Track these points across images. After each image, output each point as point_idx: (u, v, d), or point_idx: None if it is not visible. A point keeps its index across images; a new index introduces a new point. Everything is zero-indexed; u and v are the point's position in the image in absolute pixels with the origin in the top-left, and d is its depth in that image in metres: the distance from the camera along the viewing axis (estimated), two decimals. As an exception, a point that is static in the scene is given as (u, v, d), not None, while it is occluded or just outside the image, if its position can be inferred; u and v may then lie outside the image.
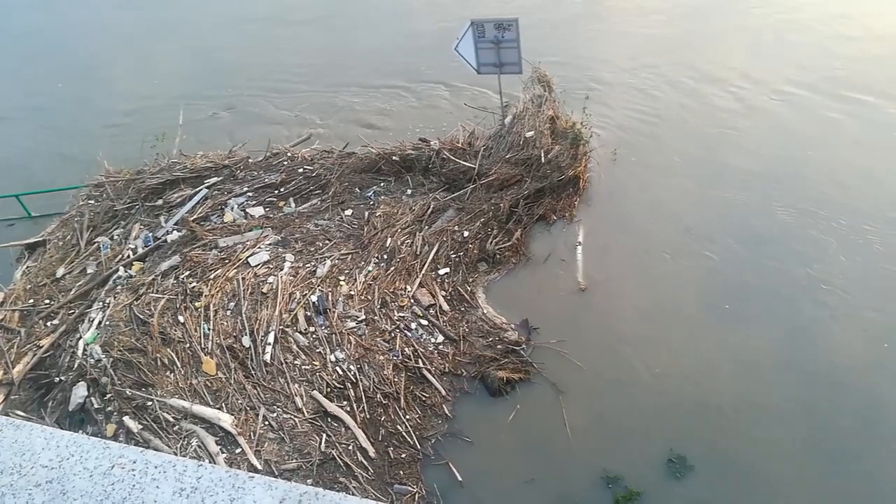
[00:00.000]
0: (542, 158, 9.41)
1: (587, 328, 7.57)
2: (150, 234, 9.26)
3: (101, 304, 8.16)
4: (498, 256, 8.63)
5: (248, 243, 8.83)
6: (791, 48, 11.67)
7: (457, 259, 8.58)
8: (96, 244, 9.29)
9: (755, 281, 7.80)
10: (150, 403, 6.83)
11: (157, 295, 8.04)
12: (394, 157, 10.00)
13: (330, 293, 8.00)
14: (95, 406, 6.94)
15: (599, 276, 8.18)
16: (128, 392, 6.95)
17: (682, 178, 9.45)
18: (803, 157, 9.38)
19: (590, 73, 11.82)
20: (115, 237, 9.46)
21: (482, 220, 8.97)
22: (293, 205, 9.66)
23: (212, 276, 8.25)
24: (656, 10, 13.31)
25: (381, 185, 9.89)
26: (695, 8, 13.24)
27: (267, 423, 6.76)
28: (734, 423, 6.42)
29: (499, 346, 7.45)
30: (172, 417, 6.75)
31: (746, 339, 7.16)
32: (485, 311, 7.95)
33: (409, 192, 9.71)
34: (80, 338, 7.63)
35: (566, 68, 11.70)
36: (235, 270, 8.33)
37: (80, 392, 7.04)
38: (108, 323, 7.75)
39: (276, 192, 9.88)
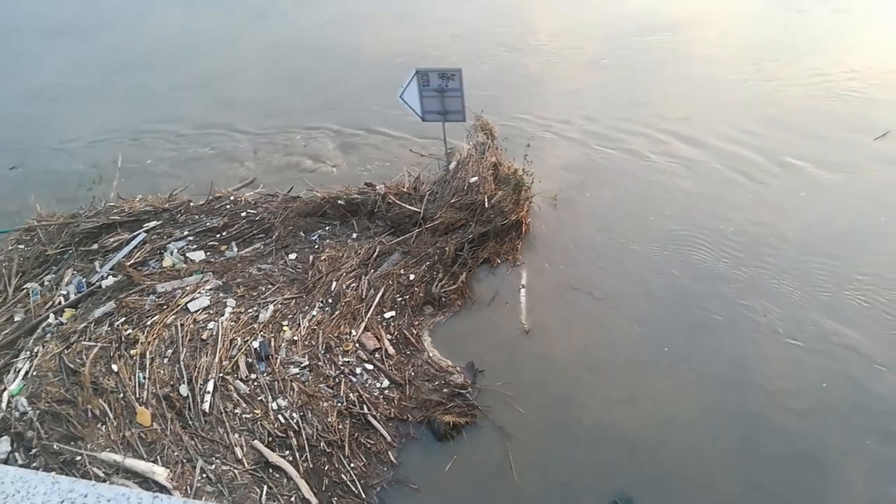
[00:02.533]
0: (486, 203, 9.59)
1: (532, 370, 7.63)
2: (84, 280, 8.93)
3: (28, 353, 7.77)
4: (443, 299, 8.68)
5: (188, 288, 8.62)
6: (729, 103, 12.30)
7: (402, 302, 8.58)
8: (25, 290, 8.89)
9: (694, 322, 8.07)
10: (78, 458, 6.48)
11: (89, 343, 7.72)
12: (339, 201, 10.01)
13: (273, 339, 7.85)
14: (20, 462, 6.53)
15: (542, 319, 8.31)
16: (55, 446, 6.58)
17: (620, 224, 9.76)
18: (733, 209, 9.82)
19: (531, 122, 12.19)
20: (46, 283, 9.08)
21: (428, 263, 9.03)
22: (235, 249, 9.52)
23: (149, 323, 7.99)
24: (598, 65, 13.87)
25: (327, 228, 9.86)
26: (639, 62, 13.84)
27: (205, 475, 6.50)
28: (680, 464, 6.53)
29: (445, 390, 7.43)
30: (103, 473, 6.41)
31: (686, 381, 7.35)
32: (431, 355, 7.93)
33: (354, 235, 9.71)
34: (5, 389, 7.22)
35: (508, 117, 12.06)
36: (174, 316, 8.10)
37: (2, 447, 6.63)
38: (35, 373, 7.37)
39: (219, 235, 9.72)
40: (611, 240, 9.52)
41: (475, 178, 9.97)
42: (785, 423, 6.80)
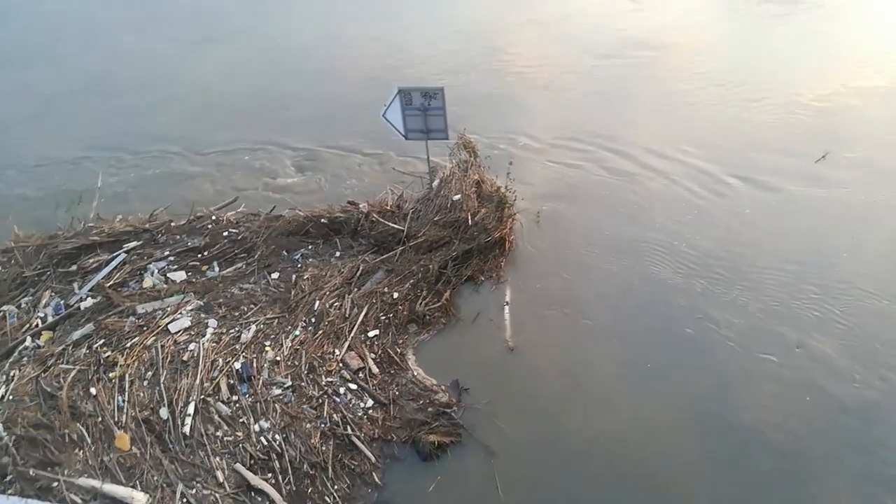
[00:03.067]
0: (470, 221, 9.61)
1: (516, 388, 7.60)
2: (62, 302, 8.78)
3: (4, 377, 7.60)
4: (427, 317, 8.64)
5: (169, 309, 8.51)
6: (697, 123, 12.47)
7: (386, 321, 8.53)
8: (2, 313, 8.72)
9: (675, 339, 8.12)
10: (55, 484, 6.33)
11: (67, 366, 7.57)
12: (322, 220, 9.98)
13: (255, 359, 7.76)
14: (-7, 490, 6.37)
15: (527, 336, 8.31)
16: (31, 473, 6.42)
17: (603, 241, 9.83)
18: (709, 227, 9.94)
19: (514, 140, 12.26)
20: (23, 305, 8.91)
21: (411, 281, 9.00)
22: (217, 269, 9.43)
23: (128, 345, 7.86)
24: (575, 85, 14.01)
25: (309, 247, 9.81)
26: (620, 84, 13.99)
27: (185, 500, 6.37)
28: (664, 479, 6.51)
29: (429, 409, 7.37)
30: (81, 499, 6.27)
31: (667, 397, 7.36)
32: (415, 374, 7.88)
33: (337, 254, 9.67)
34: (-21, 415, 7.05)
35: (492, 135, 12.13)
36: (154, 338, 7.98)
37: (-24, 475, 6.46)
38: (11, 398, 7.20)
39: (200, 255, 9.63)
40: (594, 256, 9.57)
41: (458, 196, 10.00)
42: (770, 437, 6.83)
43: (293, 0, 20.57)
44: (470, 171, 10.54)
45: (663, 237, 9.77)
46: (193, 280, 9.22)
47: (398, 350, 8.18)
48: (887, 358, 7.60)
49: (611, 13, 16.77)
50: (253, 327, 8.25)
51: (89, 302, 8.68)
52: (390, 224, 9.74)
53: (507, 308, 8.75)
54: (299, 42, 17.78)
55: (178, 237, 10.03)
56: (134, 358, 7.67)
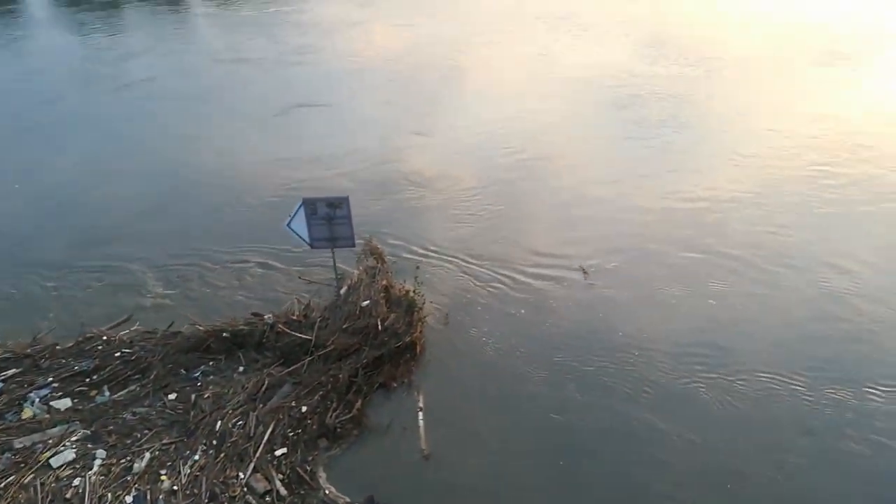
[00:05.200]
0: (379, 326, 9.51)
1: (434, 499, 7.32)
2: (-78, 442, 7.82)
3: None
4: (339, 430, 8.29)
5: (51, 441, 7.76)
6: (593, 224, 13.13)
7: (295, 437, 8.10)
8: None
9: (586, 433, 8.19)
10: None
11: (-78, 517, 6.65)
12: (224, 334, 9.57)
13: (149, 491, 7.12)
14: None
15: (442, 441, 8.11)
16: None
17: (512, 341, 9.93)
18: (618, 322, 10.32)
19: (419, 246, 12.40)
20: None
21: (321, 392, 8.69)
22: (108, 393, 8.75)
23: (2, 485, 7.04)
24: (477, 195, 14.50)
25: (210, 364, 9.32)
26: (517, 189, 14.59)
27: None
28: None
29: (343, 530, 6.93)
30: None
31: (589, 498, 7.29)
32: (327, 492, 7.44)
33: (241, 369, 9.23)
34: None
35: (397, 241, 12.27)
36: (33, 475, 7.21)
37: None
38: None
39: (88, 380, 8.94)
40: (505, 356, 9.63)
41: (367, 302, 9.93)
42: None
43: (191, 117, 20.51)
44: (378, 277, 10.56)
45: (569, 337, 9.99)
46: (80, 407, 8.51)
47: (308, 468, 7.73)
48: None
49: (503, 129, 17.72)
50: (147, 455, 7.62)
51: (-45, 440, 7.78)
52: (297, 334, 9.47)
53: (420, 414, 8.56)
54: (194, 158, 17.47)
55: (65, 361, 9.31)
56: (9, 500, 6.85)
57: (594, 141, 16.64)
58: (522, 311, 10.58)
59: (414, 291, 10.41)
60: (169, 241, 12.80)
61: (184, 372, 9.15)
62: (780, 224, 12.46)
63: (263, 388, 8.68)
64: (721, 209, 13.11)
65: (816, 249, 11.66)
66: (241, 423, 8.15)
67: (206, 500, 7.09)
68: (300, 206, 9.97)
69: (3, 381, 8.78)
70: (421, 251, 12.16)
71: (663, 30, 25.61)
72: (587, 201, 13.76)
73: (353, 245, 10.40)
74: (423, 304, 10.29)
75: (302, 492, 7.43)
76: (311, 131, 17.87)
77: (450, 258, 11.92)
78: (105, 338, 9.74)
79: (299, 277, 11.44)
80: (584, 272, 11.32)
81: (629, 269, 11.48)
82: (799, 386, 8.80)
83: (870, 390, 8.67)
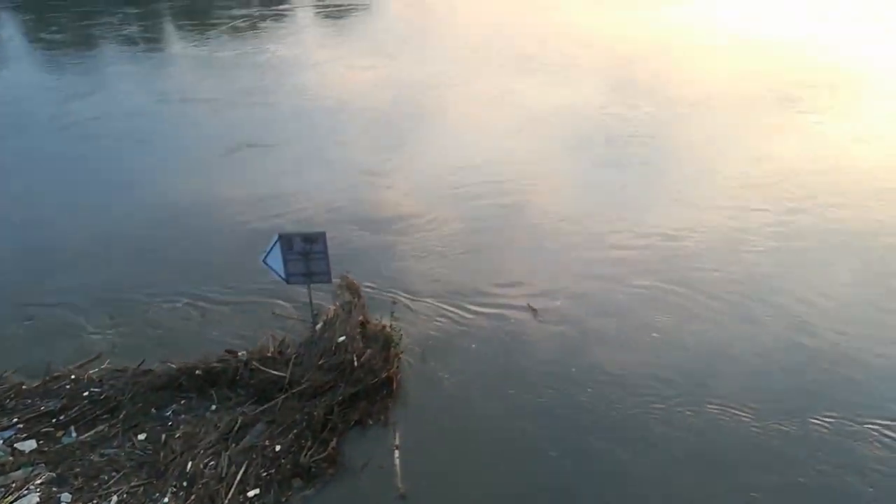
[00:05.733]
0: (356, 362, 9.42)
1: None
2: None
3: None
4: (313, 469, 8.12)
5: (14, 485, 7.50)
6: (564, 264, 13.27)
7: (268, 477, 7.92)
8: None
9: (566, 474, 8.12)
10: None
11: None
12: (197, 372, 9.40)
13: (115, 536, 6.88)
14: None
15: (419, 480, 7.98)
16: None
17: (488, 375, 9.91)
18: (595, 360, 10.34)
19: (396, 281, 12.38)
20: None
21: (295, 431, 8.54)
22: (74, 434, 8.51)
23: (-42, 533, 6.76)
24: (453, 228, 14.58)
25: (182, 402, 9.13)
26: (484, 226, 14.68)
27: None
28: None
29: (317, 574, 6.75)
30: None
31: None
32: (300, 535, 7.27)
33: (213, 407, 9.04)
34: None
35: (374, 276, 12.23)
36: (-8, 522, 6.93)
37: None
38: None
39: (55, 420, 8.70)
40: (482, 390, 9.58)
41: (343, 338, 9.86)
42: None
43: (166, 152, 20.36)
44: (354, 312, 10.51)
45: (549, 367, 10.02)
46: (46, 448, 8.26)
47: (281, 509, 7.56)
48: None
49: (476, 164, 17.92)
50: (114, 498, 7.40)
51: (-89, 485, 7.48)
52: (272, 371, 9.35)
53: (396, 452, 8.44)
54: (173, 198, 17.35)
55: (30, 401, 9.06)
56: (-36, 549, 6.57)
57: (557, 179, 16.78)
58: (500, 347, 10.58)
59: (390, 327, 10.37)
60: (118, 280, 12.62)
61: (154, 411, 8.95)
62: (724, 261, 12.74)
63: (236, 427, 8.51)
64: (670, 247, 13.33)
65: (756, 286, 11.91)
66: (212, 463, 7.96)
67: (175, 545, 6.88)
68: (276, 242, 9.93)
69: (-36, 422, 8.50)
70: (399, 289, 12.10)
71: (630, 70, 26.11)
72: (550, 239, 13.94)
73: (330, 280, 10.38)
74: (400, 339, 10.24)
75: (275, 534, 7.25)
76: (259, 171, 17.54)
77: (425, 297, 11.87)
78: (73, 376, 9.52)
79: (274, 313, 11.33)
80: (533, 310, 11.36)
81: (590, 305, 11.64)
82: (746, 417, 8.91)
83: (816, 422, 8.81)
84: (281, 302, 11.62)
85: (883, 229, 13.76)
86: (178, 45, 33.76)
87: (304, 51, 30.87)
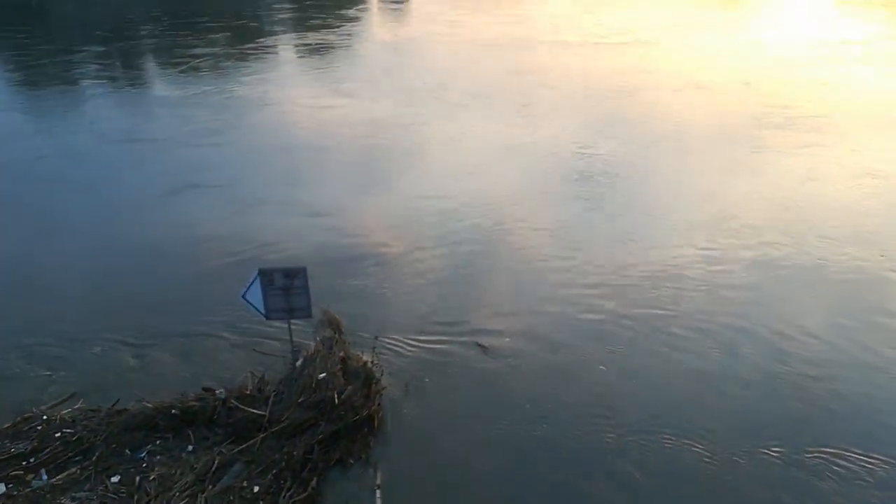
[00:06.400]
0: (336, 399, 9.29)
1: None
2: None
3: None
4: (293, 511, 7.95)
5: (-20, 533, 7.22)
6: (544, 289, 13.35)
7: (246, 520, 7.73)
8: None
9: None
10: None
11: None
12: (173, 411, 9.20)
13: (85, 585, 6.62)
14: None
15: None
16: None
17: (470, 416, 9.80)
18: (575, 393, 10.35)
19: (378, 316, 12.32)
20: None
21: (274, 471, 8.36)
22: (45, 477, 8.25)
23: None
24: (436, 266, 14.60)
25: (158, 443, 8.90)
26: (468, 257, 14.77)
27: None
28: None
29: None
30: None
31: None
32: (279, 580, 7.06)
33: (190, 448, 8.82)
34: None
35: (355, 310, 12.14)
36: (-45, 572, 6.64)
37: None
38: None
39: (25, 463, 8.43)
40: (464, 428, 9.49)
41: (324, 374, 9.73)
42: None
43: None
44: (335, 348, 10.39)
45: (533, 402, 9.97)
46: (15, 493, 7.99)
47: (259, 553, 7.36)
48: None
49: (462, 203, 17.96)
50: (85, 544, 7.14)
51: None
52: (250, 409, 9.17)
53: (378, 492, 8.29)
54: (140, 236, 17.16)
55: (0, 443, 8.78)
56: None
57: (516, 217, 16.79)
58: (482, 382, 10.52)
59: (372, 362, 10.28)
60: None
61: (129, 452, 8.71)
62: (673, 298, 12.87)
63: (213, 468, 8.31)
64: (623, 285, 13.42)
65: (703, 321, 12.06)
66: (188, 506, 7.75)
67: None
68: (256, 277, 9.86)
69: (-71, 466, 8.22)
70: (381, 323, 12.03)
71: (598, 105, 26.49)
72: (519, 274, 14.04)
73: (311, 315, 10.31)
74: (382, 375, 10.14)
75: (252, 580, 7.04)
76: (198, 213, 17.08)
77: (412, 330, 11.81)
78: (45, 417, 9.26)
79: (253, 350, 11.19)
80: (483, 347, 11.35)
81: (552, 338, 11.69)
82: (699, 448, 8.98)
83: (765, 452, 8.89)
84: (227, 335, 11.62)
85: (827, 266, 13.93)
86: (133, 84, 33.31)
87: (264, 90, 30.25)
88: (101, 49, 41.92)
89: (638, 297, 12.86)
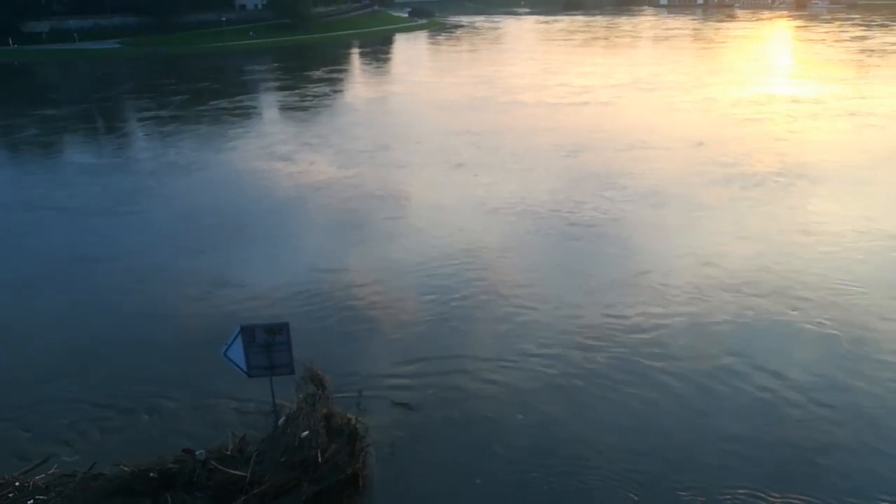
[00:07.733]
0: (319, 458, 9.09)
1: None
2: None
3: None
4: (275, 577, 7.67)
5: None
6: (532, 330, 13.34)
7: (226, 588, 7.42)
8: None
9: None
10: None
11: None
12: (151, 474, 8.92)
13: None
14: None
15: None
16: None
17: (456, 468, 9.72)
18: (560, 426, 10.32)
19: (360, 371, 12.21)
20: None
21: (255, 535, 8.10)
22: (15, 548, 7.91)
23: None
24: (417, 314, 14.59)
25: (134, 508, 8.61)
26: (453, 309, 14.81)
27: None
28: None
29: None
30: None
31: None
32: None
33: (168, 513, 8.55)
34: None
35: (337, 367, 12.01)
36: None
37: None
38: None
39: (-5, 533, 8.09)
40: (450, 484, 9.34)
41: (307, 433, 9.52)
42: None
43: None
44: (318, 405, 10.19)
45: (518, 455, 9.89)
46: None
47: None
48: None
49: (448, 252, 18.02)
50: None
51: None
52: (231, 471, 8.93)
53: (363, 554, 8.05)
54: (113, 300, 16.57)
55: (-32, 513, 8.44)
56: None
57: (492, 271, 16.85)
58: (474, 431, 10.45)
59: (356, 419, 10.10)
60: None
61: (103, 519, 8.41)
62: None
63: (192, 535, 8.03)
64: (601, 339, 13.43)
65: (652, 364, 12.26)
66: (165, 575, 7.44)
67: None
68: (238, 334, 9.72)
69: None
70: (364, 378, 11.90)
71: (578, 160, 26.84)
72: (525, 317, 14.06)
73: (293, 372, 10.13)
74: (366, 432, 9.96)
75: None
76: (90, 286, 16.55)
77: (396, 383, 11.70)
78: (18, 483, 8.93)
79: (235, 409, 10.97)
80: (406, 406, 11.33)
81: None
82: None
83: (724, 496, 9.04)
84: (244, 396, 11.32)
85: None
86: (65, 150, 32.85)
87: (196, 155, 29.59)
88: (50, 112, 41.55)
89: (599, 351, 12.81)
